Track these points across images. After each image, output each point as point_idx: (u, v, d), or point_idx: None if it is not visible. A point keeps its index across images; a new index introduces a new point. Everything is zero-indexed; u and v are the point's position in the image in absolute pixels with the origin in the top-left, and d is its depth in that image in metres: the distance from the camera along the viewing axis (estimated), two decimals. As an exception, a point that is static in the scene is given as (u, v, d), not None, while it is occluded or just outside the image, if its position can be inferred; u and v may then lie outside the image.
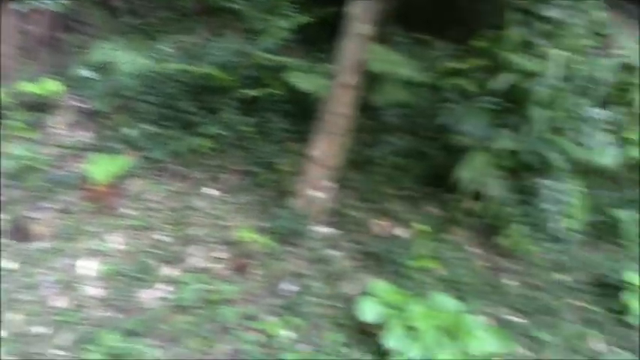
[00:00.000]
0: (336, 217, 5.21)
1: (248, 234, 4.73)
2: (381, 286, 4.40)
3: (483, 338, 4.07)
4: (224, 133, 5.57)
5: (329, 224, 5.15)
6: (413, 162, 5.75)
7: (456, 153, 5.47)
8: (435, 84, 6.09)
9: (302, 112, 5.58)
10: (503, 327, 4.61)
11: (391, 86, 5.96)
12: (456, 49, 6.71)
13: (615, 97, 6.28)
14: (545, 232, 5.47)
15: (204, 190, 5.27)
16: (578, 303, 4.98)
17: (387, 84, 5.95)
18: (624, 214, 5.64)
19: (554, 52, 5.64)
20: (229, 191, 5.29)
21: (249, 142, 5.57)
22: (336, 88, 5.07)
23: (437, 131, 5.75)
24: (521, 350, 4.47)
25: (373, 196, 5.51)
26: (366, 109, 5.81)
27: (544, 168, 5.58)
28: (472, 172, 5.21)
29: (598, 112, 5.75)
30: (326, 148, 5.12)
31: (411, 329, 4.04)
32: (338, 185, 5.25)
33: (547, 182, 5.58)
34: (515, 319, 4.74)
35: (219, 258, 4.71)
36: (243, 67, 5.87)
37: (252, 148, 5.55)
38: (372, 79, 5.72)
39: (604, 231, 5.66)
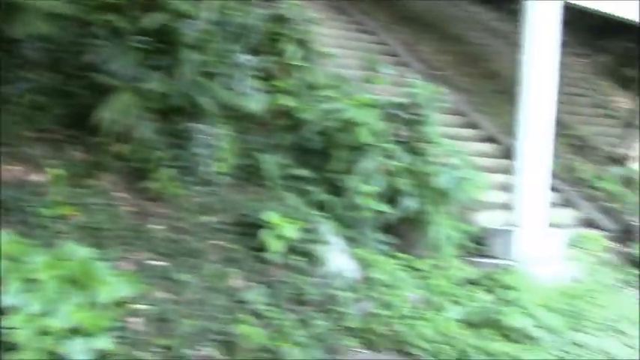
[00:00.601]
0: (-44, 162, 4.55)
1: None
2: (2, 237, 3.94)
3: (114, 284, 3.92)
4: None
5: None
6: (55, 102, 5.27)
7: (103, 93, 5.17)
8: (83, 18, 5.64)
9: None
10: (144, 271, 4.53)
11: (31, 16, 5.35)
12: (111, -16, 6.30)
13: (267, 46, 6.57)
14: (195, 176, 5.52)
15: None
16: (221, 243, 5.13)
17: (25, 14, 5.32)
18: (268, 158, 5.95)
19: (208, -4, 5.63)
20: None
21: None
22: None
23: (83, 69, 5.34)
24: (159, 293, 4.44)
25: (6, 139, 4.93)
26: (-1, 41, 5.14)
27: (195, 112, 5.60)
28: (116, 113, 4.97)
29: (249, 59, 5.93)
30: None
31: (31, 282, 3.70)
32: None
33: (198, 126, 5.61)
34: (157, 262, 4.69)
35: None
36: None
37: None
38: (7, 8, 5.07)
39: (251, 174, 5.92)
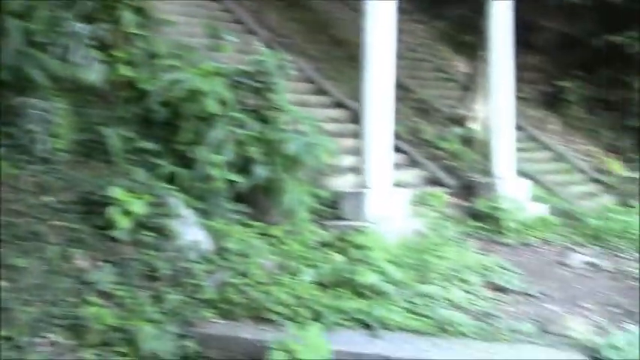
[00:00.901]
0: None
1: None
2: None
3: (-62, 277, 3.60)
4: None
5: None
6: None
7: None
8: None
9: None
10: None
11: None
12: None
13: (102, 13, 6.22)
14: (30, 154, 5.16)
15: None
16: (63, 224, 4.85)
17: None
18: (111, 131, 5.68)
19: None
20: None
21: None
22: None
23: None
24: (-5, 281, 4.14)
25: None
26: None
27: (26, 85, 5.22)
28: None
29: (83, 28, 5.60)
30: None
31: None
32: None
33: (30, 100, 5.24)
34: (-10, 250, 4.36)
35: None
36: None
37: None
38: None
39: (93, 149, 5.63)
